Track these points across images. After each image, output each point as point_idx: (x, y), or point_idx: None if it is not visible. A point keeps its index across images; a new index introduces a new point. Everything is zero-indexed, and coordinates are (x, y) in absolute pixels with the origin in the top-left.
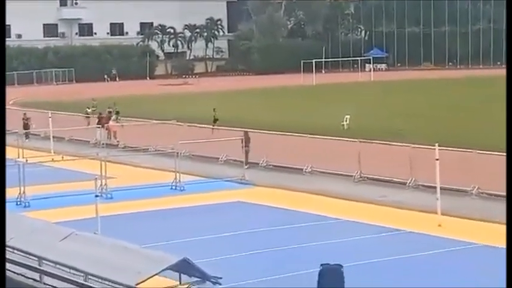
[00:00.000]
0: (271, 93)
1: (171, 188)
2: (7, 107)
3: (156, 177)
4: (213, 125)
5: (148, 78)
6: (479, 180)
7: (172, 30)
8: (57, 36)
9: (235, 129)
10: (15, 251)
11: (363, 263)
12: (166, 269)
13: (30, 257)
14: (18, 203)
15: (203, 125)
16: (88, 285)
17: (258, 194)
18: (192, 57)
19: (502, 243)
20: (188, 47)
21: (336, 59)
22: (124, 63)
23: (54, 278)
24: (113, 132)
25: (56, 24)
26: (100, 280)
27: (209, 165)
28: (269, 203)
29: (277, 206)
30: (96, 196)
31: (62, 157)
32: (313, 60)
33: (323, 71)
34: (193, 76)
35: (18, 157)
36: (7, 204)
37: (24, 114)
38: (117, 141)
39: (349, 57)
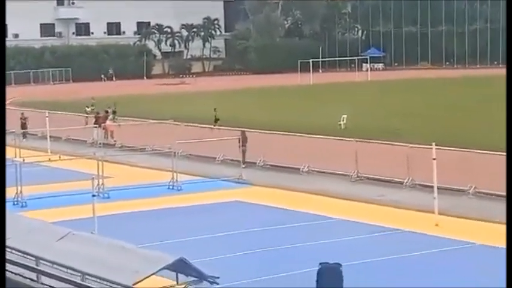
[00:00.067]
0: (268, 92)
1: (168, 188)
2: None
3: (153, 176)
4: (214, 125)
5: (145, 77)
6: (476, 179)
7: (169, 30)
8: (54, 35)
9: (232, 128)
10: (13, 251)
11: (360, 263)
12: (164, 268)
13: (28, 256)
14: (15, 202)
15: (200, 125)
16: (85, 285)
17: (255, 194)
18: (189, 56)
19: (500, 243)
20: (185, 47)
21: (333, 59)
22: (121, 63)
23: (52, 277)
24: (110, 131)
25: (53, 24)
26: (97, 280)
27: (206, 165)
28: (266, 202)
29: (274, 205)
30: (93, 196)
31: (59, 157)
32: (310, 60)
33: (320, 71)
34: (191, 76)
35: (15, 157)
36: None
37: (22, 113)
38: (114, 141)
39: (346, 56)
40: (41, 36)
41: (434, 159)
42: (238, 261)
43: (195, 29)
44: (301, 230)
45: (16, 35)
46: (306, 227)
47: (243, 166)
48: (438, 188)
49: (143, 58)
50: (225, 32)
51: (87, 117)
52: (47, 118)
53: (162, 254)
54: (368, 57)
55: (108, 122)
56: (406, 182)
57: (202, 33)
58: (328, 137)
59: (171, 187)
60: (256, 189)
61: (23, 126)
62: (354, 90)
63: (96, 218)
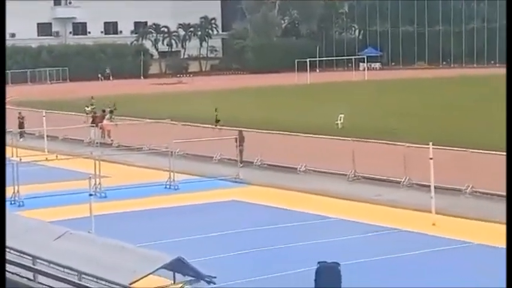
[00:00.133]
0: (265, 92)
1: (165, 187)
2: None
3: (150, 176)
4: (216, 125)
5: (142, 77)
6: (473, 179)
7: (166, 29)
8: (51, 35)
9: (229, 128)
10: (10, 251)
11: (356, 262)
12: (161, 268)
13: (25, 256)
14: (12, 202)
15: (197, 124)
16: (82, 284)
17: (252, 193)
18: (186, 56)
19: (497, 242)
20: (182, 46)
21: (330, 58)
22: (118, 62)
23: (49, 277)
24: (107, 131)
25: (50, 23)
26: (94, 279)
27: (203, 164)
28: (263, 202)
29: (271, 205)
30: (90, 195)
31: (56, 156)
32: (308, 59)
33: (317, 70)
34: (188, 75)
35: (12, 156)
36: None
37: (20, 113)
38: (111, 140)
39: (344, 56)
40: (38, 35)
41: (431, 158)
42: (235, 261)
43: (192, 29)
44: (298, 230)
45: (13, 35)
46: (303, 226)
47: (240, 165)
48: (435, 187)
49: (140, 57)
50: (222, 31)
51: (86, 116)
52: (44, 117)
53: (159, 254)
54: (365, 57)
55: (105, 122)
56: (403, 182)
57: (199, 33)
58: (326, 136)
59: (168, 186)
60: (254, 188)
61: (21, 125)
62: (351, 90)
63: (93, 218)
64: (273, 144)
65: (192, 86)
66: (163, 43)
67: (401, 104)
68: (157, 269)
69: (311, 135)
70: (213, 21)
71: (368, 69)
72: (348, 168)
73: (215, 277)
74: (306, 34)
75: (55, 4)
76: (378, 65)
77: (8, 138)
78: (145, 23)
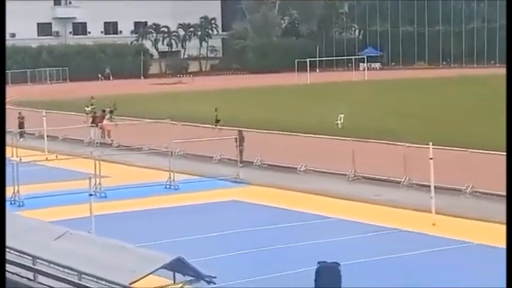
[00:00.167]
0: (265, 92)
1: (165, 187)
2: None
3: (150, 176)
4: (216, 125)
5: (142, 77)
6: (473, 179)
7: (166, 29)
8: (51, 35)
9: (229, 128)
10: (10, 251)
11: (357, 262)
12: (161, 268)
13: (25, 256)
14: (12, 202)
15: (197, 124)
16: (82, 284)
17: (252, 193)
18: (186, 56)
19: (497, 242)
20: (182, 46)
21: (330, 58)
22: (118, 62)
23: (49, 277)
24: (107, 131)
25: (50, 23)
26: (94, 279)
27: (203, 164)
28: (263, 202)
29: (271, 205)
30: (90, 195)
31: (56, 156)
32: (308, 59)
33: (317, 70)
34: (188, 75)
35: (12, 156)
36: None
37: (20, 113)
38: (111, 140)
39: (343, 56)
40: (38, 35)
41: (431, 158)
42: (234, 261)
43: (192, 29)
44: (298, 230)
45: (13, 35)
46: (303, 226)
47: (240, 165)
48: (435, 187)
49: (140, 57)
50: (222, 31)
51: (86, 116)
52: (44, 117)
53: (159, 254)
54: (365, 57)
55: (105, 122)
56: (403, 182)
57: (199, 33)
58: (325, 136)
59: (168, 186)
60: (253, 188)
61: (21, 125)
62: (351, 90)
63: (93, 218)
64: (273, 144)
65: (192, 86)
66: (163, 43)
67: (401, 104)
68: (157, 269)
69: (311, 135)
70: (213, 21)
71: (368, 69)
72: (347, 168)
73: (215, 277)
74: (306, 34)
75: (55, 4)
76: (377, 65)
77: (8, 138)
78: (145, 23)
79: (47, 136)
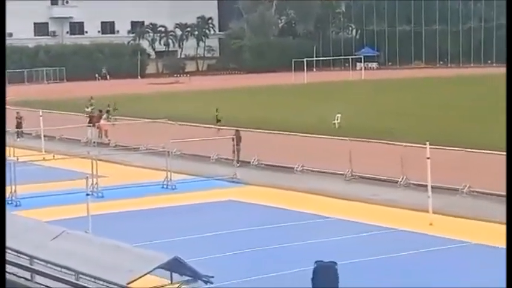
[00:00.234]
0: (262, 91)
1: (163, 187)
2: None
3: (147, 176)
4: (216, 125)
5: (139, 77)
6: (470, 178)
7: (163, 29)
8: (48, 35)
9: (226, 127)
10: (8, 250)
11: (354, 262)
12: (158, 267)
13: (22, 256)
14: (9, 202)
15: (194, 124)
16: (80, 284)
17: (249, 193)
18: (183, 56)
19: (495, 242)
20: (179, 46)
21: (327, 58)
22: (115, 62)
23: (46, 277)
24: (104, 131)
25: (47, 23)
26: (91, 279)
27: (200, 164)
28: (260, 202)
29: (268, 205)
30: (87, 195)
31: (53, 156)
32: (305, 59)
33: (314, 70)
34: (185, 75)
35: (10, 156)
36: None
37: (17, 113)
38: (108, 140)
39: (340, 55)
40: (35, 35)
41: (428, 158)
42: (231, 261)
43: (189, 28)
44: (295, 230)
45: (10, 34)
46: (300, 226)
47: (237, 165)
48: (432, 187)
49: (137, 57)
50: (219, 31)
51: (87, 116)
52: (41, 117)
53: (156, 253)
54: (362, 57)
55: (102, 121)
56: (400, 181)
57: (196, 33)
58: (323, 136)
59: (165, 186)
60: (251, 188)
61: (19, 125)
62: (348, 89)
63: (90, 217)
64: (270, 143)
65: (189, 86)
66: (160, 43)
67: (398, 104)
68: (154, 269)
69: (308, 134)
70: (210, 21)
71: (365, 68)
72: (345, 167)
73: (213, 277)
74: (303, 34)
75: (52, 4)
76: (374, 64)
77: (6, 138)
78: (142, 22)
79: (44, 136)
